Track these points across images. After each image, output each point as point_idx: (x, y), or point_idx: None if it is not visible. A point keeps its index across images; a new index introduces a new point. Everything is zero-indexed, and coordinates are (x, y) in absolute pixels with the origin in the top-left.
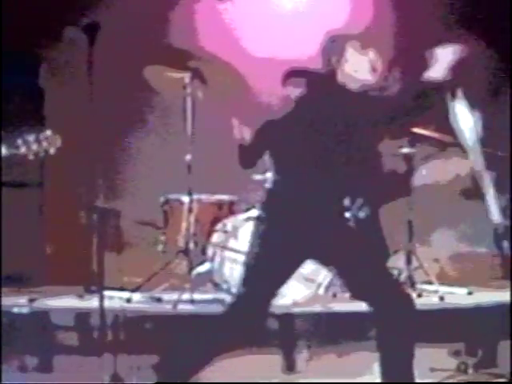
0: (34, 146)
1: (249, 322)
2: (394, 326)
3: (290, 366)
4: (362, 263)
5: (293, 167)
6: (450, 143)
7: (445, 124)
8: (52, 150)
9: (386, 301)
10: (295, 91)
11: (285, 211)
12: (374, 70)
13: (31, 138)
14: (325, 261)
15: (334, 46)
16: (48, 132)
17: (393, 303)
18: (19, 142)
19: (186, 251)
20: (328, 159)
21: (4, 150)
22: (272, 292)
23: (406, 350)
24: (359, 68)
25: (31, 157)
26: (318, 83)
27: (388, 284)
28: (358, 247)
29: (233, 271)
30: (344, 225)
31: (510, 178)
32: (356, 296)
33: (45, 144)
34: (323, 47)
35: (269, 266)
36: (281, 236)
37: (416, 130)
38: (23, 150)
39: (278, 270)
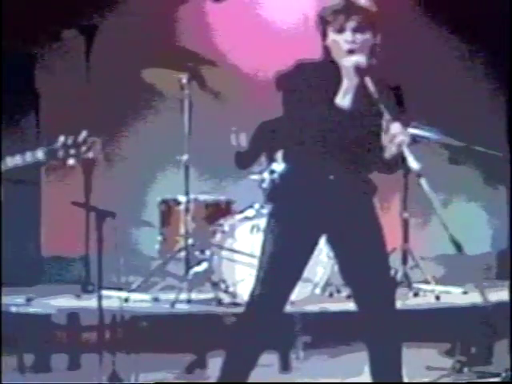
0: (73, 151)
1: (267, 321)
2: (377, 325)
3: (285, 366)
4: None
5: (301, 157)
6: (448, 144)
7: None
8: (91, 155)
9: (371, 297)
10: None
11: (297, 196)
12: (350, 51)
13: (69, 141)
14: (334, 238)
15: (320, 28)
16: (84, 133)
17: (376, 300)
18: (57, 145)
19: (183, 251)
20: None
21: (41, 155)
22: (291, 285)
23: (390, 350)
24: (338, 50)
25: (71, 162)
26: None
27: (379, 280)
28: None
29: (230, 271)
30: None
31: (509, 178)
32: (347, 281)
33: (83, 148)
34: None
35: (286, 259)
36: (296, 221)
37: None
38: (61, 154)
39: (295, 260)
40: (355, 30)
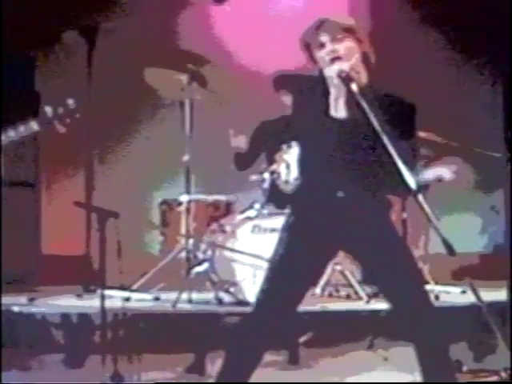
0: (67, 120)
1: (277, 322)
2: (421, 325)
3: (285, 365)
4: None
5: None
6: (446, 144)
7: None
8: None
9: (407, 299)
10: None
11: (314, 207)
12: (332, 59)
13: (60, 110)
14: (355, 252)
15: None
16: (71, 101)
17: (413, 302)
18: (50, 115)
19: (184, 251)
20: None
21: (35, 126)
22: (302, 293)
23: (437, 349)
24: (325, 64)
25: (63, 130)
26: (308, 86)
27: (412, 282)
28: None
29: (231, 271)
30: (378, 216)
31: (509, 179)
32: (380, 290)
33: (77, 115)
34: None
35: (302, 265)
36: (313, 231)
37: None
38: (56, 122)
39: (311, 268)
40: (332, 41)
